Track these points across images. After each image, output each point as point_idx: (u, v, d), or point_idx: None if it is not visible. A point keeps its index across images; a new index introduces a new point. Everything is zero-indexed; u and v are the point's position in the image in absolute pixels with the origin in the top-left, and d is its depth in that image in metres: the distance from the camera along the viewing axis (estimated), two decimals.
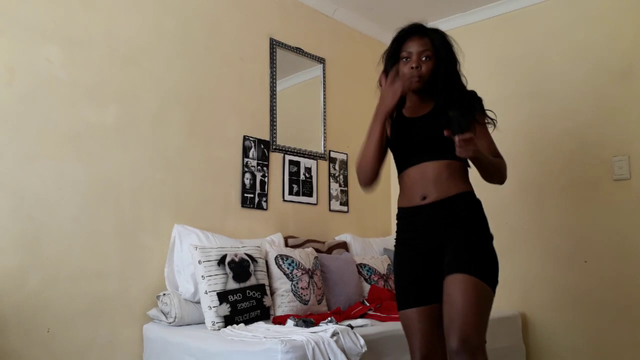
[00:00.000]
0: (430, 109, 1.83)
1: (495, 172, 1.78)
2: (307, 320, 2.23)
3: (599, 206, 3.06)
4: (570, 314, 3.11)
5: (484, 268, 1.66)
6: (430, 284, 1.73)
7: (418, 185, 1.77)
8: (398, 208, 1.87)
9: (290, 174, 3.28)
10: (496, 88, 3.55)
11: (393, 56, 1.85)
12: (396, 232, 1.88)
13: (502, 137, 3.43)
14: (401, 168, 1.85)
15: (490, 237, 1.76)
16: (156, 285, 2.54)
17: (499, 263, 1.72)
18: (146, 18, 2.67)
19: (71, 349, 2.25)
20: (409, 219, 1.81)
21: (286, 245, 3.00)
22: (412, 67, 1.79)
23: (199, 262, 2.37)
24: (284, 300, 2.57)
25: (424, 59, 1.79)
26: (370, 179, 1.87)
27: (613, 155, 3.03)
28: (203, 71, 2.89)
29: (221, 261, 2.41)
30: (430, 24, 1.87)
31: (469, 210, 1.75)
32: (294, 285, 2.63)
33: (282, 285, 2.61)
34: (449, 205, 1.73)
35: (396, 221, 1.88)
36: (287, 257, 2.71)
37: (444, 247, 1.72)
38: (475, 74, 3.61)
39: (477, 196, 1.80)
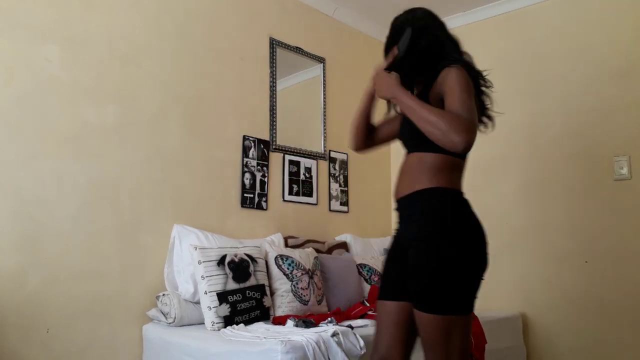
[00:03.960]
0: None
1: (422, 121, 1.53)
2: (307, 320, 2.22)
3: (600, 206, 3.06)
4: (571, 314, 3.11)
5: (441, 297, 1.51)
6: (400, 280, 1.66)
7: (400, 178, 1.73)
8: None
9: (290, 174, 3.27)
10: (496, 88, 3.52)
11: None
12: None
13: (503, 137, 3.48)
14: None
15: (452, 242, 1.54)
16: (156, 286, 2.54)
17: (467, 269, 1.52)
18: (146, 17, 2.66)
19: (71, 349, 2.25)
20: (396, 210, 1.78)
21: (286, 245, 2.99)
22: None
23: (199, 262, 2.37)
24: (283, 301, 2.57)
25: None
26: (354, 143, 1.95)
27: (614, 155, 3.03)
28: (203, 71, 2.88)
29: (221, 261, 2.41)
30: None
31: (425, 213, 1.60)
32: (294, 285, 2.62)
33: (282, 285, 2.61)
34: (408, 204, 1.66)
35: None
36: (287, 257, 2.70)
37: (408, 248, 1.64)
38: None
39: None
